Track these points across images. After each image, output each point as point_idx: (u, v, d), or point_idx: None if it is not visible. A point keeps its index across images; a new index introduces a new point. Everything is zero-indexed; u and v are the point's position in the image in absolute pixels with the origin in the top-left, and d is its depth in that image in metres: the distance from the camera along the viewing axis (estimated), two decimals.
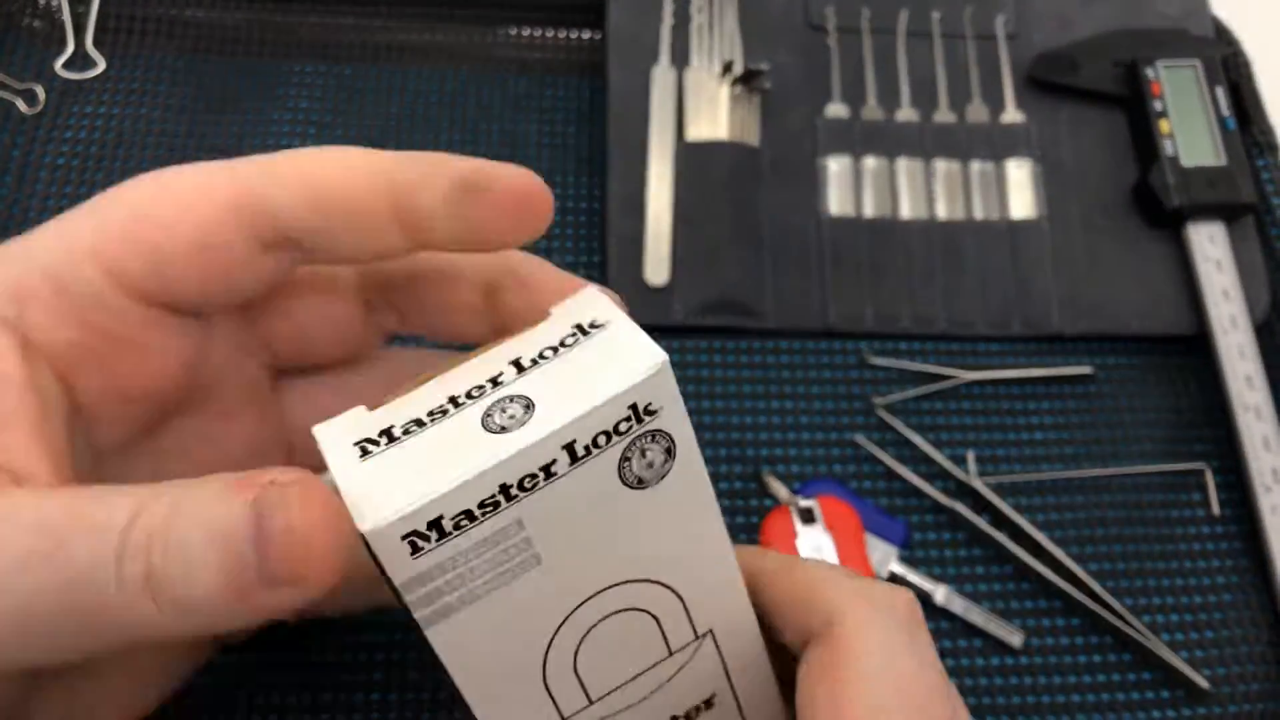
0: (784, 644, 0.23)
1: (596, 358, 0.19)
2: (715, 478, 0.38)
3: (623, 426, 0.19)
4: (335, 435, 0.19)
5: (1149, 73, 0.44)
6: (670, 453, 0.19)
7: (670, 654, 0.22)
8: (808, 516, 0.36)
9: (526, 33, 0.47)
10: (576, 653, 0.21)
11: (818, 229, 0.43)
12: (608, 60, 0.44)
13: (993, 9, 0.47)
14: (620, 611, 0.21)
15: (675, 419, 0.19)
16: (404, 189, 0.21)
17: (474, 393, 0.19)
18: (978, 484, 0.38)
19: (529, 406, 0.18)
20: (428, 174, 0.21)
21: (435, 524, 0.17)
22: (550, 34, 0.47)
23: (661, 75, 0.44)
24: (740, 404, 0.40)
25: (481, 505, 0.18)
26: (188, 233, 0.20)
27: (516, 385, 0.19)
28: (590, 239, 0.43)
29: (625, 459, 0.19)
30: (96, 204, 0.21)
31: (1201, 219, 0.43)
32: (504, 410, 0.19)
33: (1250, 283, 0.42)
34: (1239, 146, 0.43)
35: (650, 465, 0.19)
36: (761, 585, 0.23)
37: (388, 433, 0.19)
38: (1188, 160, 0.43)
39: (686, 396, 0.39)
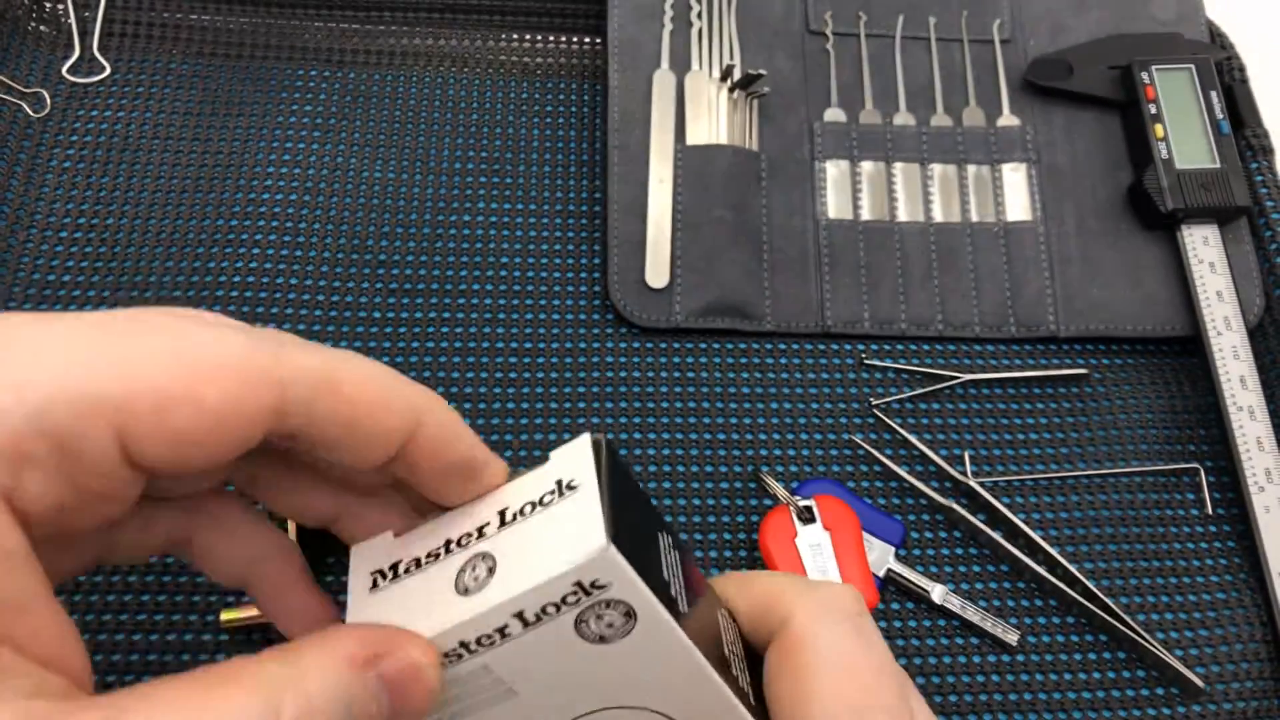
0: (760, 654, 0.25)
1: (557, 529, 0.20)
2: (714, 477, 0.39)
3: (570, 599, 0.20)
4: (363, 559, 0.22)
5: (1143, 77, 0.45)
6: (630, 614, 0.20)
7: None
8: (807, 515, 0.37)
9: (529, 38, 0.48)
10: None
11: (815, 232, 0.43)
12: (608, 65, 0.44)
13: (988, 14, 0.48)
14: None
15: (628, 588, 0.20)
16: (424, 442, 0.21)
17: (463, 540, 0.21)
18: (974, 484, 0.39)
19: (492, 570, 0.20)
20: (449, 440, 0.22)
21: None
22: (552, 39, 0.48)
23: (661, 80, 0.44)
24: (739, 405, 0.40)
25: (447, 655, 0.20)
26: (217, 431, 0.19)
27: (492, 541, 0.21)
28: (591, 242, 0.43)
29: (581, 621, 0.20)
30: (107, 352, 0.18)
31: (1195, 221, 0.43)
32: (473, 569, 0.20)
33: (1244, 284, 0.43)
34: (1233, 150, 0.44)
35: (610, 625, 0.20)
36: (730, 604, 0.25)
37: (395, 568, 0.22)
38: (1182, 163, 0.43)
39: (686, 397, 0.40)
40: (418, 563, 0.21)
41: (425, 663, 0.20)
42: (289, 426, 0.20)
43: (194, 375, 0.19)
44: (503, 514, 0.21)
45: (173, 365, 0.19)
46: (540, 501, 0.21)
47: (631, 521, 0.20)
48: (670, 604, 0.20)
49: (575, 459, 0.22)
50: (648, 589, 0.20)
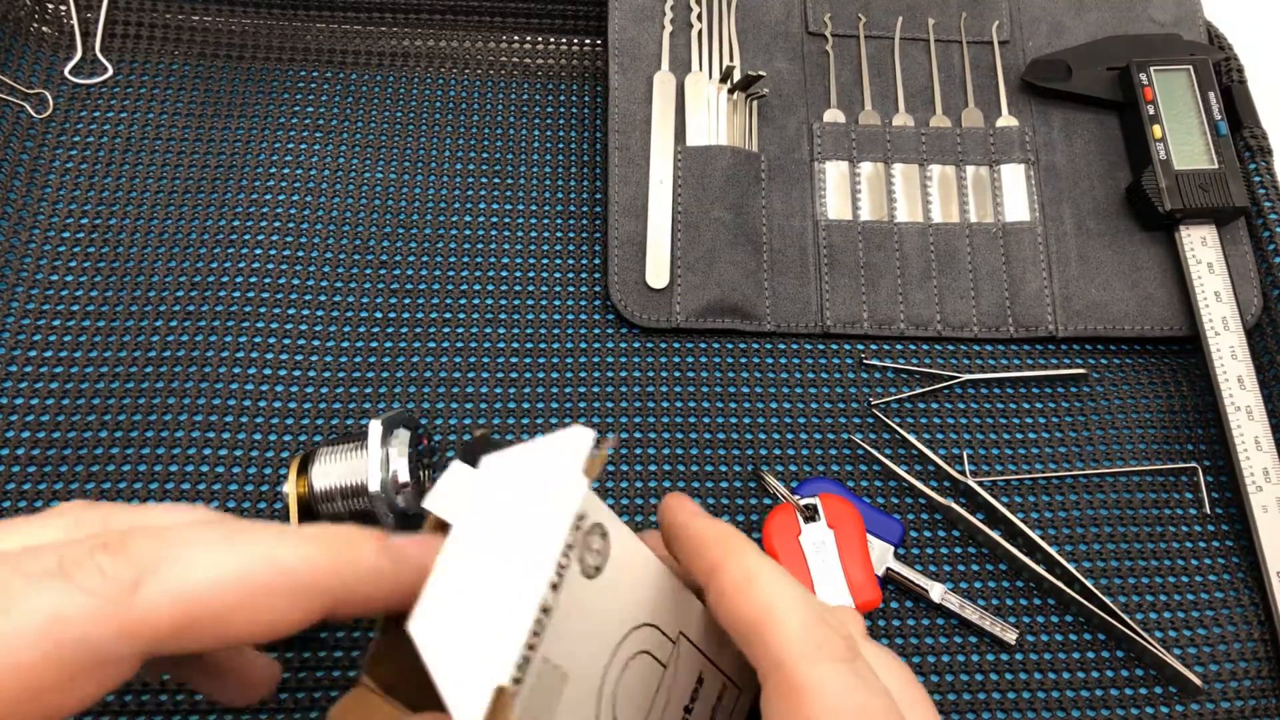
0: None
1: (526, 506, 0.22)
2: (714, 477, 0.39)
3: (570, 545, 0.22)
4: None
5: (1142, 78, 0.45)
6: (604, 533, 0.23)
7: (664, 668, 0.25)
8: (810, 514, 0.37)
9: (529, 40, 0.48)
10: (615, 714, 0.24)
11: (815, 232, 0.43)
12: (609, 66, 0.44)
13: (987, 15, 0.48)
14: (626, 665, 0.24)
15: (597, 509, 0.22)
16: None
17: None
18: (973, 483, 0.39)
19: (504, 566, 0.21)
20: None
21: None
22: (552, 41, 0.48)
23: (662, 81, 0.44)
24: (739, 405, 0.40)
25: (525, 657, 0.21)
26: (251, 633, 0.21)
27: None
28: (592, 242, 0.43)
29: (581, 561, 0.22)
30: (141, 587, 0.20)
31: (1194, 222, 0.43)
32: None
33: (1242, 285, 0.43)
34: (1231, 150, 0.44)
35: (599, 552, 0.22)
36: (718, 595, 0.24)
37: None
38: (1180, 164, 0.43)
39: (686, 397, 0.40)
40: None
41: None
42: (330, 614, 0.22)
43: (235, 605, 0.21)
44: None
45: (208, 606, 0.20)
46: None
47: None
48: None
49: (449, 490, 0.23)
50: (604, 504, 0.23)
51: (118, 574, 0.19)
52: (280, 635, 0.21)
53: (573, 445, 0.22)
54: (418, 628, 0.21)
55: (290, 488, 0.34)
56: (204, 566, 0.20)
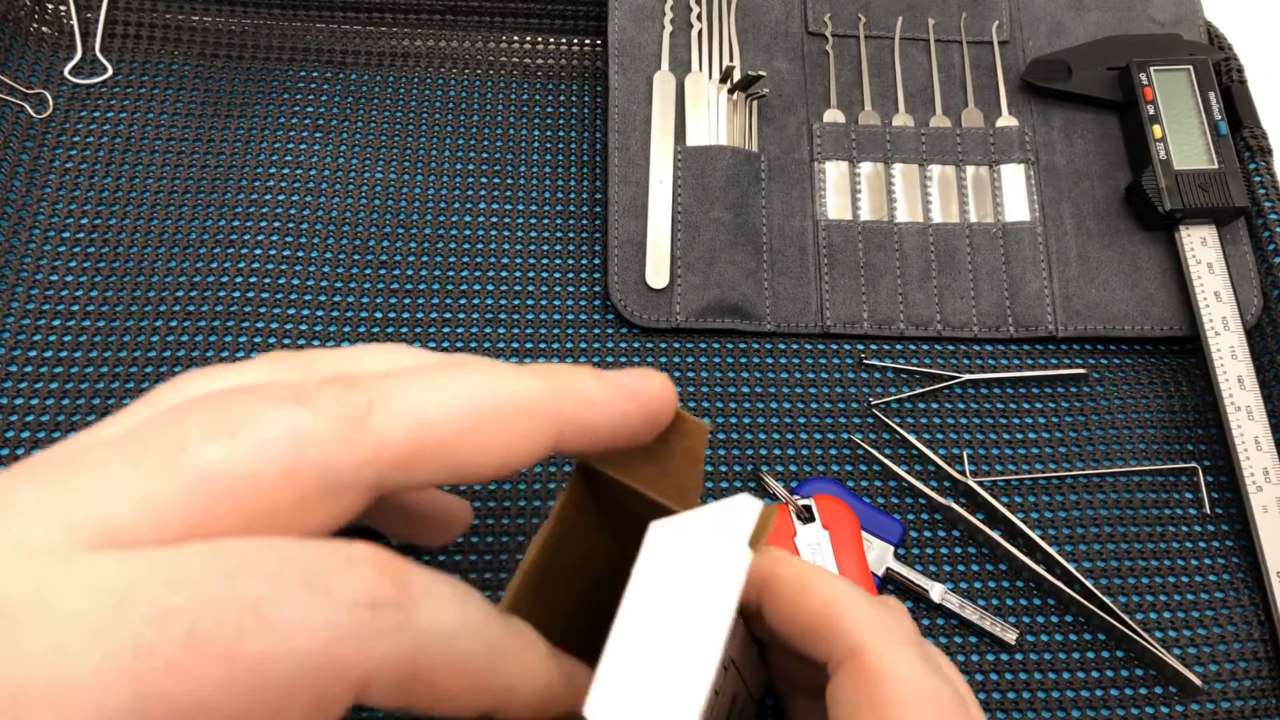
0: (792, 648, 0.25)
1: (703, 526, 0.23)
2: (714, 477, 0.39)
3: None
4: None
5: (1142, 78, 0.45)
6: None
7: (716, 695, 0.25)
8: (806, 514, 0.37)
9: (529, 40, 0.48)
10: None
11: (815, 232, 0.43)
12: (609, 67, 0.44)
13: (987, 15, 0.48)
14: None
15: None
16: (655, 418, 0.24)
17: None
18: (973, 483, 0.39)
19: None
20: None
21: None
22: (552, 41, 0.48)
23: (661, 81, 0.44)
24: (739, 405, 0.40)
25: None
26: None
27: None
28: (592, 242, 0.43)
29: None
30: None
31: (1194, 222, 0.43)
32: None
33: (1241, 285, 0.43)
34: (1231, 150, 0.44)
35: None
36: (776, 599, 0.25)
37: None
38: (1180, 164, 0.43)
39: (686, 397, 0.40)
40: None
41: None
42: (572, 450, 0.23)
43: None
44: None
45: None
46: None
47: None
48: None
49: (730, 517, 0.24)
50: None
51: (353, 400, 0.19)
52: (508, 469, 0.21)
53: (739, 515, 0.22)
54: (593, 712, 0.21)
55: None
56: (433, 396, 0.20)
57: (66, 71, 0.44)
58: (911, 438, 0.40)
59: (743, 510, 0.23)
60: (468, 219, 0.43)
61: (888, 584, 0.37)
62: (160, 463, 0.17)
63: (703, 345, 0.41)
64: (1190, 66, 0.45)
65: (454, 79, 0.46)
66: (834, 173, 0.44)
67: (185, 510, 0.17)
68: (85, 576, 0.16)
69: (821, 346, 0.42)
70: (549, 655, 0.22)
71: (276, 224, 0.42)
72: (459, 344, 0.40)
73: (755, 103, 0.45)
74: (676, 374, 0.40)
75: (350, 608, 0.17)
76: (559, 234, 0.43)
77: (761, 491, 0.39)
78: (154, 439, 0.18)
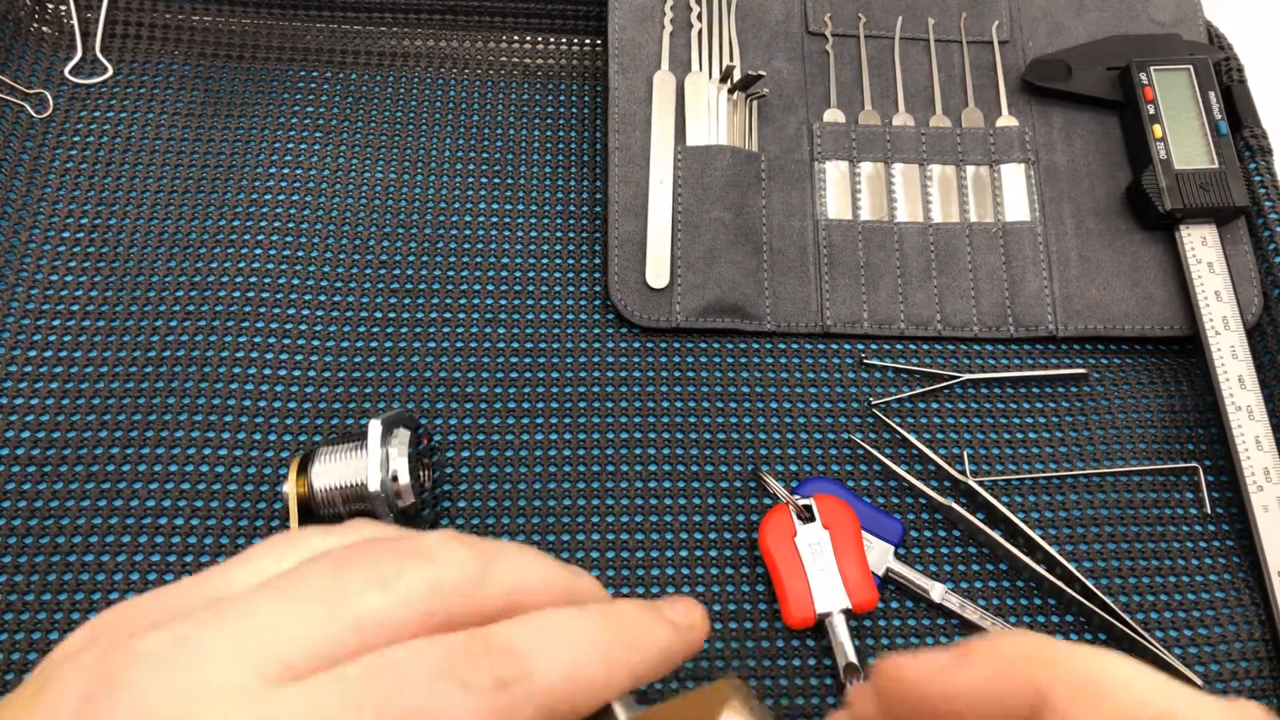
0: None
1: None
2: (714, 477, 0.39)
3: None
4: None
5: (1142, 77, 0.45)
6: None
7: None
8: (806, 514, 0.37)
9: (529, 40, 0.48)
10: None
11: (815, 232, 0.43)
12: (609, 67, 0.44)
13: (987, 15, 0.48)
14: None
15: None
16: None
17: None
18: (973, 483, 0.39)
19: None
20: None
21: None
22: (552, 41, 0.48)
23: (662, 81, 0.44)
24: (739, 404, 0.40)
25: None
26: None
27: None
28: (592, 242, 0.43)
29: None
30: None
31: (1194, 222, 0.43)
32: None
33: (1242, 284, 0.43)
34: (1231, 150, 0.44)
35: None
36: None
37: None
38: (1180, 164, 0.43)
39: (686, 396, 0.40)
40: None
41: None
42: None
43: None
44: None
45: None
46: None
47: None
48: None
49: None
50: None
51: (500, 674, 0.20)
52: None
53: None
54: None
55: (290, 487, 0.34)
56: (566, 675, 0.21)
57: (66, 71, 0.44)
58: (911, 437, 0.40)
59: None
60: (468, 219, 0.43)
61: (888, 584, 0.37)
62: (327, 606, 0.20)
63: (703, 345, 0.41)
64: (1190, 66, 0.45)
65: (454, 79, 0.46)
66: (834, 172, 0.44)
67: (354, 648, 0.19)
68: (276, 708, 0.18)
69: (821, 346, 0.42)
70: (648, 620, 0.23)
71: (276, 224, 0.42)
72: (459, 344, 0.40)
73: (755, 102, 0.45)
74: (677, 374, 0.41)
75: (487, 694, 0.19)
76: (559, 234, 0.43)
77: (762, 491, 0.39)
78: (318, 584, 0.20)
